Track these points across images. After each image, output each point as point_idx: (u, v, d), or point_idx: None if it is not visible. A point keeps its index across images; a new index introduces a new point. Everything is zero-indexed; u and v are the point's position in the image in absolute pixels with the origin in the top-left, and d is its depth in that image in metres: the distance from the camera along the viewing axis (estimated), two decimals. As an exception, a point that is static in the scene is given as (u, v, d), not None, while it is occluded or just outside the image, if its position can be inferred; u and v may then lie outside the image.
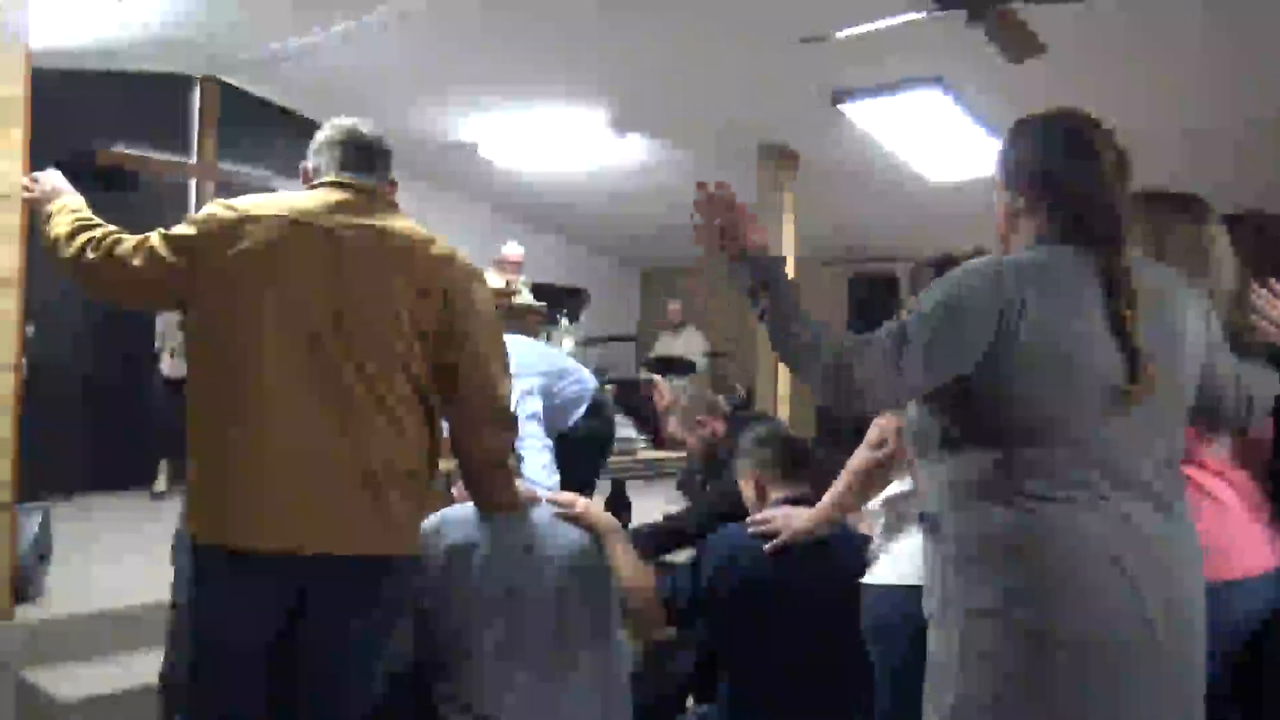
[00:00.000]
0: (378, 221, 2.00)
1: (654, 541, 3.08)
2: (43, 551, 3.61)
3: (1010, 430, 1.49)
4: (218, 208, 1.97)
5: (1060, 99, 1.68)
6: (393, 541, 1.98)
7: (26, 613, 3.35)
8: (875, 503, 2.24)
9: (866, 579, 2.16)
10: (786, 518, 2.21)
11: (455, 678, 2.20)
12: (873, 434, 2.16)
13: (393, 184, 2.13)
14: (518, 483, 2.30)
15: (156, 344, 5.81)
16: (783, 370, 7.07)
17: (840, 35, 4.41)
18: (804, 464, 2.45)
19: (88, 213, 2.06)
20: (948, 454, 1.55)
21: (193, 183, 6.55)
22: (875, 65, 5.15)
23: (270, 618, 1.93)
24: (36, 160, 3.16)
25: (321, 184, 2.05)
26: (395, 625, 2.10)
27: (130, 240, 1.96)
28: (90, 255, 1.95)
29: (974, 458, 1.52)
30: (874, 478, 2.17)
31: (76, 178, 2.19)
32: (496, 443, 2.14)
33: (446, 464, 2.24)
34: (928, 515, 1.61)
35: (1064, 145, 1.58)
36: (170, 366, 5.74)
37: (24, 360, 3.61)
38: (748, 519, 2.29)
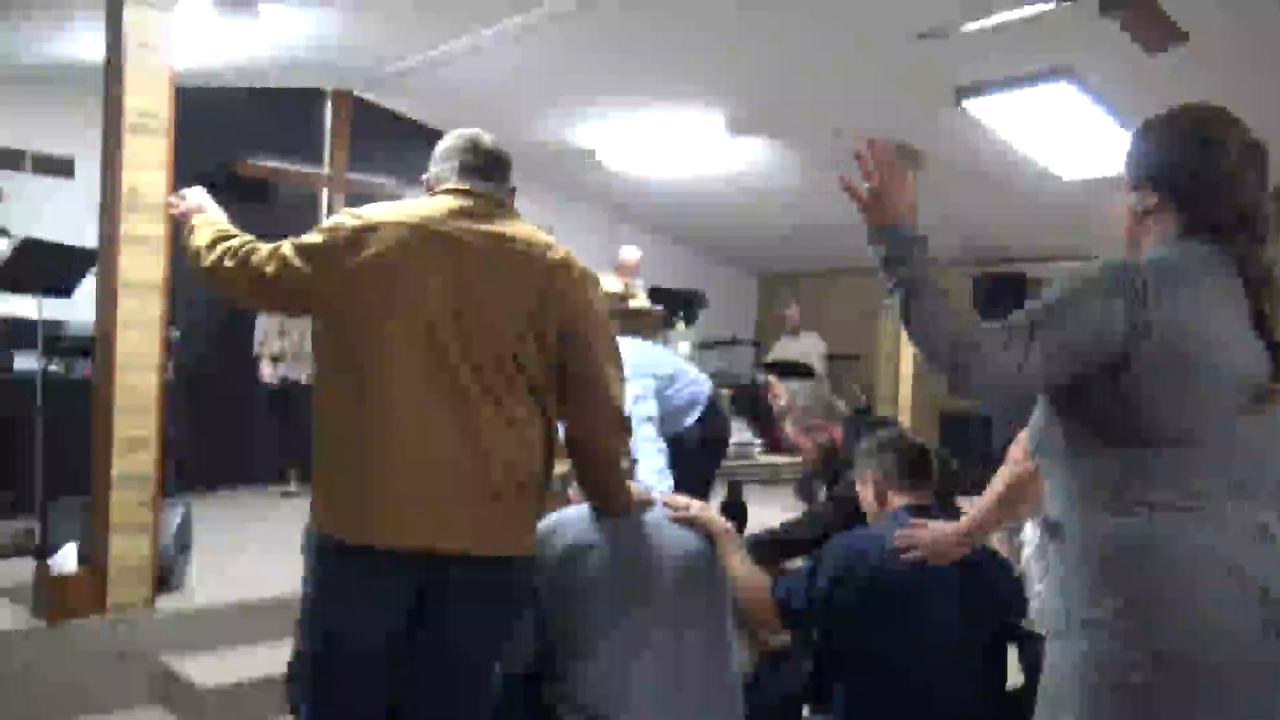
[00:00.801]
0: (497, 227, 2.03)
1: (772, 549, 3.04)
2: (184, 544, 3.80)
3: (1137, 433, 1.43)
4: (344, 216, 2.04)
5: (1199, 89, 1.60)
6: (511, 542, 2.01)
7: (168, 602, 3.53)
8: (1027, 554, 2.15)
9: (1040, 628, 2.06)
10: (935, 542, 2.12)
11: (570, 678, 2.21)
12: (1015, 451, 2.09)
13: (512, 191, 2.17)
14: (632, 484, 2.31)
15: (255, 350, 6.04)
16: (904, 376, 6.93)
17: (965, 30, 4.29)
18: (927, 472, 2.38)
19: (227, 225, 2.16)
20: (1071, 457, 1.51)
21: (324, 193, 6.81)
22: (1001, 60, 5.00)
23: (390, 616, 1.98)
24: (180, 172, 3.35)
25: (443, 191, 2.09)
26: (512, 625, 2.13)
27: (264, 249, 2.04)
28: (227, 264, 2.04)
29: (1098, 461, 1.47)
30: (1019, 493, 2.10)
31: (216, 189, 2.31)
32: (611, 444, 2.16)
33: (562, 466, 2.26)
34: (1049, 521, 1.56)
35: (1194, 142, 1.52)
36: (269, 373, 5.98)
37: (170, 362, 3.81)
38: (897, 534, 2.19)
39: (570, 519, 2.30)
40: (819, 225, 8.05)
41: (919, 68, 5.19)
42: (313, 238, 2.01)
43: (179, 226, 2.23)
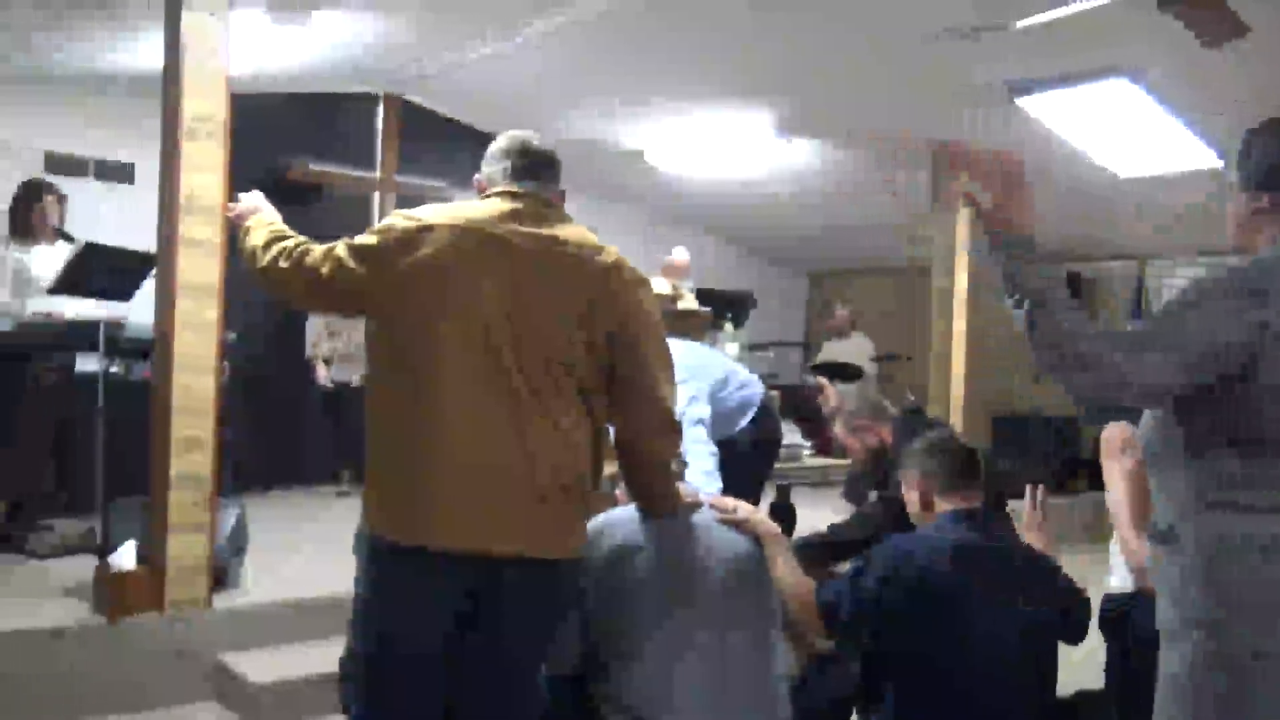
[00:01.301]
0: (547, 229, 2.04)
1: (821, 551, 3.02)
2: (239, 543, 3.85)
3: (1261, 437, 1.43)
4: (397, 218, 2.05)
5: (1258, 84, 1.58)
6: (558, 545, 2.02)
7: (224, 600, 3.58)
8: None
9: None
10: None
11: (616, 678, 2.21)
12: (1110, 445, 2.07)
13: (562, 193, 2.17)
14: (680, 486, 2.31)
15: (308, 353, 6.14)
16: (955, 377, 6.84)
17: (1019, 25, 4.23)
18: (975, 475, 2.34)
19: (282, 226, 2.19)
20: (1190, 461, 1.50)
21: (375, 196, 6.89)
22: (1056, 56, 4.91)
23: (443, 618, 2.00)
24: (235, 177, 3.40)
25: (494, 193, 2.11)
26: (559, 626, 2.14)
27: (318, 250, 2.06)
28: (282, 264, 2.07)
29: (1219, 465, 1.46)
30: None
31: (270, 193, 2.35)
32: (660, 447, 2.16)
33: (611, 467, 2.26)
34: (1158, 527, 1.55)
35: None
36: (323, 375, 6.08)
37: (225, 364, 3.87)
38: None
39: (618, 520, 2.30)
40: (867, 225, 7.99)
41: (967, 65, 5.12)
42: (366, 239, 2.03)
43: (236, 229, 2.27)
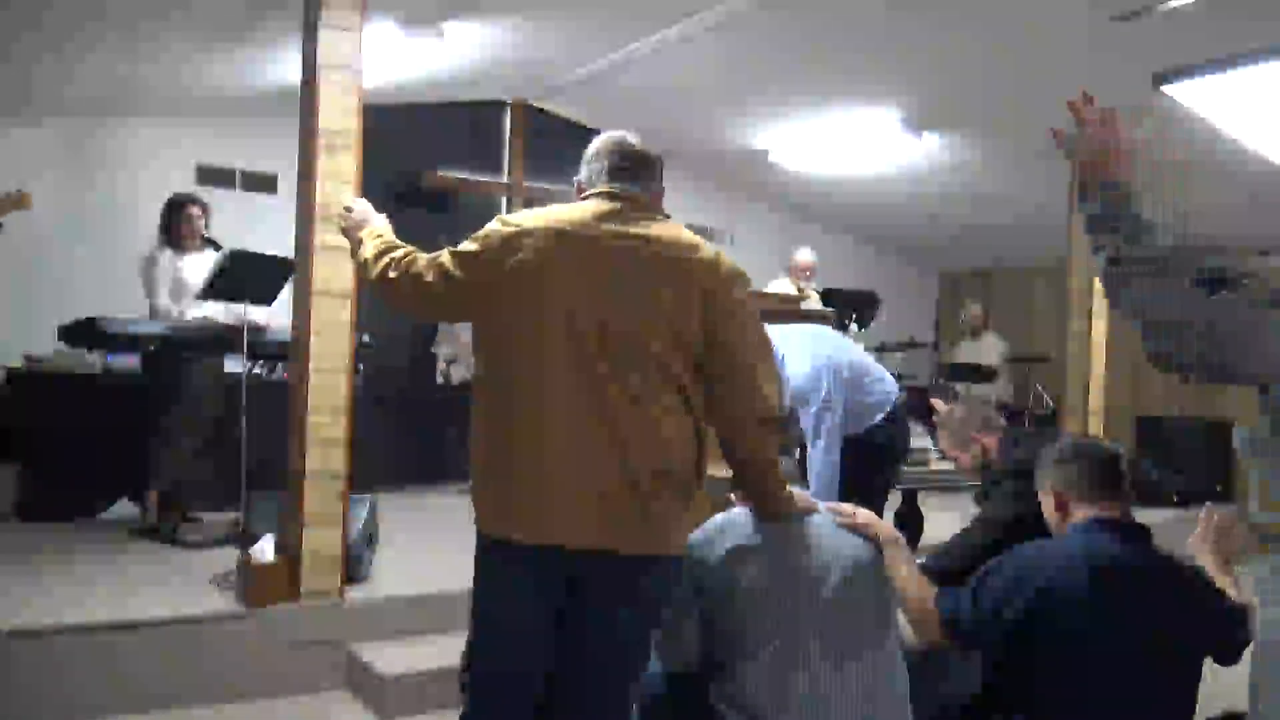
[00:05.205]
0: (642, 229, 2.06)
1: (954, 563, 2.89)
2: (370, 537, 3.99)
3: None
4: (497, 224, 2.11)
5: None
6: (655, 541, 2.03)
7: (356, 592, 3.71)
8: None
9: None
10: None
11: (733, 678, 2.20)
12: None
13: (659, 192, 2.18)
14: (795, 490, 2.27)
15: (442, 359, 6.35)
16: (1096, 378, 6.54)
17: (1163, 8, 4.01)
18: (1116, 482, 2.23)
19: (391, 236, 2.27)
20: None
21: (503, 200, 7.04)
22: (1206, 39, 4.63)
23: (537, 608, 2.04)
24: (370, 185, 3.52)
25: (590, 194, 2.14)
26: (658, 620, 2.15)
27: (424, 259, 2.13)
28: (391, 275, 2.14)
29: None
30: None
31: (403, 200, 2.42)
32: (763, 446, 2.14)
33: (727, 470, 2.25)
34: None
35: None
36: (457, 376, 6.27)
37: (360, 365, 4.02)
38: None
39: (737, 520, 2.29)
40: (999, 223, 7.72)
41: (1110, 52, 4.89)
42: (468, 245, 2.09)
43: (349, 239, 2.35)
